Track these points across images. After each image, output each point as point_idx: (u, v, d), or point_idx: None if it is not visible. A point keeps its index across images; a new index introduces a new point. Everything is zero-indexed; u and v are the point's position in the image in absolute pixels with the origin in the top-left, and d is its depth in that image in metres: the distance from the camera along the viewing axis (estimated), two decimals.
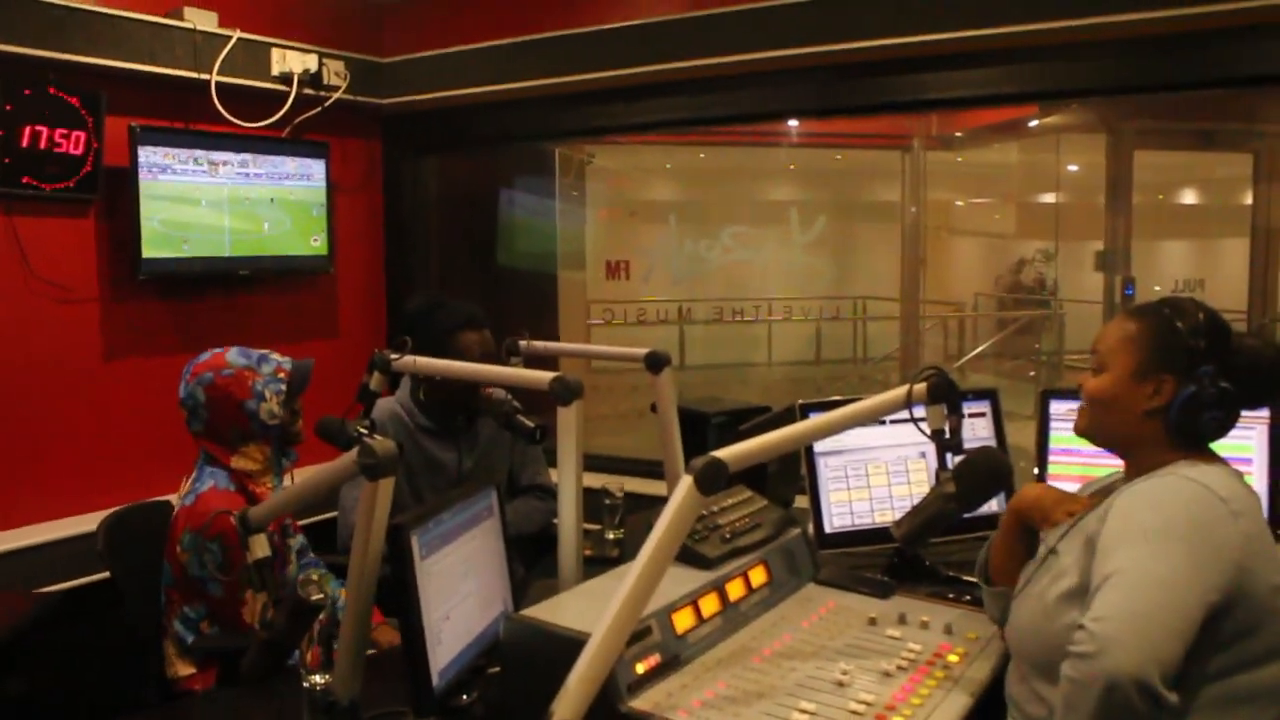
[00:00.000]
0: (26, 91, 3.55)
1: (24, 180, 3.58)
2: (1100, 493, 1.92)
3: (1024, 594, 1.89)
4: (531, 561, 3.33)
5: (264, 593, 2.56)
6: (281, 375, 2.74)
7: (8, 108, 3.50)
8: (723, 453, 1.68)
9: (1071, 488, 2.48)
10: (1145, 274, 9.02)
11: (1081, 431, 1.95)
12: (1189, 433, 1.77)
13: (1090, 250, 8.94)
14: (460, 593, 2.08)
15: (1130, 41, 3.35)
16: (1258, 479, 2.72)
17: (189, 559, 2.66)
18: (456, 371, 2.92)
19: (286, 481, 2.84)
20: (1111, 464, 1.96)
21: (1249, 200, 9.03)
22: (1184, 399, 1.75)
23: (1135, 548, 1.60)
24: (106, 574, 2.88)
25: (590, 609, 1.79)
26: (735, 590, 2.19)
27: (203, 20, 4.01)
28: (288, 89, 4.31)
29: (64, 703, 3.41)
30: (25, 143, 3.56)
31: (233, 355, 2.76)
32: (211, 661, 2.70)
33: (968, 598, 2.42)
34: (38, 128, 3.58)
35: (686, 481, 1.64)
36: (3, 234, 3.61)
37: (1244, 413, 2.69)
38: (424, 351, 2.98)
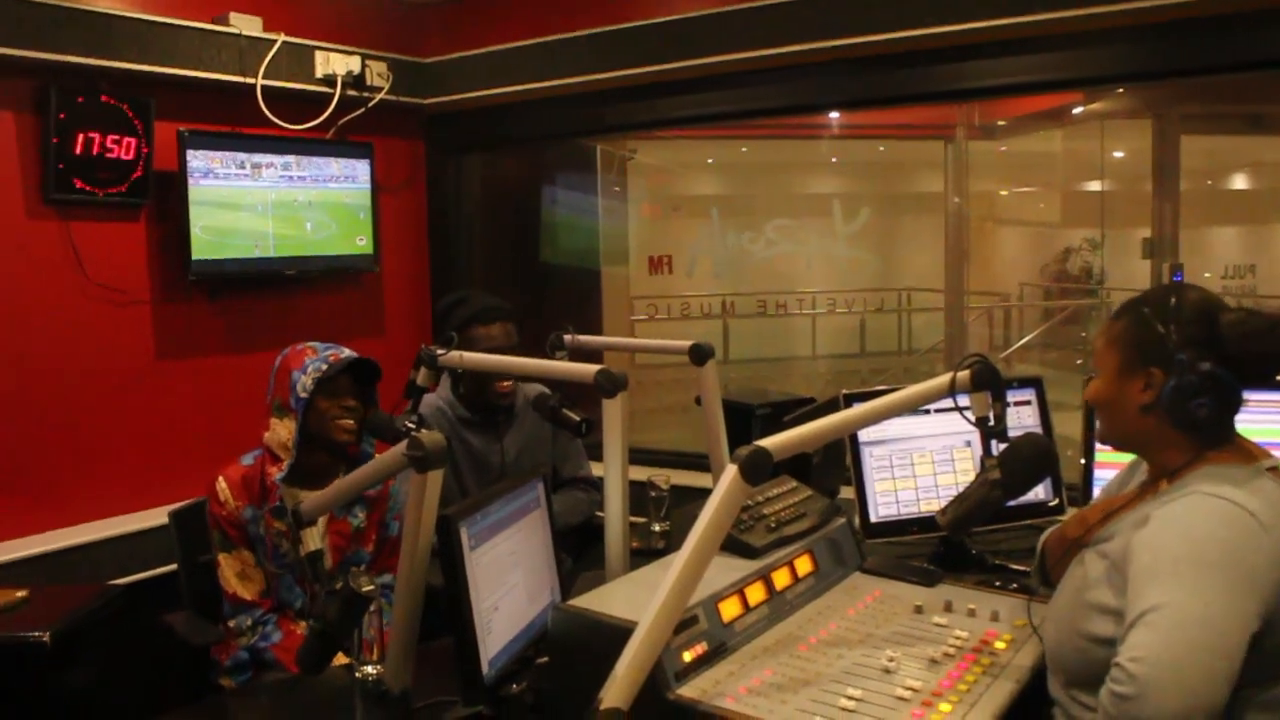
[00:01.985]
0: (79, 99, 3.63)
1: (77, 185, 3.66)
2: (1135, 497, 1.89)
3: (1054, 600, 1.89)
4: (577, 553, 3.36)
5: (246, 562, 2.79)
6: (332, 359, 2.80)
7: (61, 116, 3.58)
8: (767, 442, 1.69)
9: (1107, 475, 2.48)
10: (1194, 261, 8.92)
11: (1100, 438, 1.95)
12: (1186, 423, 1.73)
13: (1138, 238, 8.82)
14: (508, 583, 2.11)
15: (1175, 24, 3.31)
16: None
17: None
18: (502, 366, 2.96)
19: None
20: None
21: None
22: (1169, 390, 1.72)
23: (1169, 582, 1.56)
24: (158, 571, 2.98)
25: (637, 598, 1.81)
26: (781, 579, 2.20)
27: (248, 25, 4.07)
28: (331, 91, 4.36)
29: (127, 694, 3.48)
30: (79, 149, 3.63)
31: (316, 341, 2.89)
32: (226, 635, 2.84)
33: (1014, 585, 2.41)
34: (90, 134, 3.65)
35: (731, 470, 1.65)
36: (58, 238, 3.69)
37: (1276, 396, 2.65)
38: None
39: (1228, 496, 1.63)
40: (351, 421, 2.84)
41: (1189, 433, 1.75)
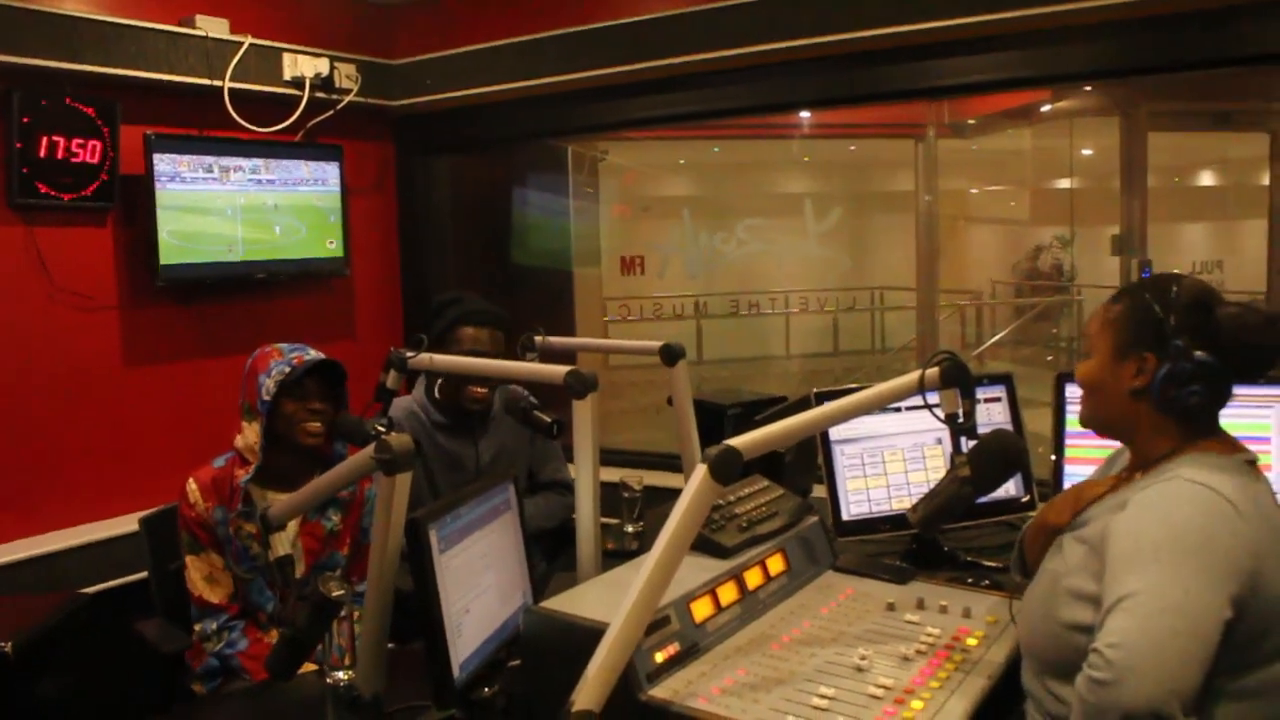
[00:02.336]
0: (43, 102, 3.59)
1: (42, 190, 3.62)
2: (1112, 484, 1.90)
3: (1030, 589, 1.89)
4: (552, 555, 3.35)
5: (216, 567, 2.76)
6: (296, 362, 2.78)
7: (25, 119, 3.54)
8: (737, 441, 1.69)
9: (1088, 470, 2.49)
10: (1163, 257, 8.97)
11: (1083, 421, 1.95)
12: (1175, 411, 1.74)
13: (1107, 235, 8.87)
14: (480, 586, 2.10)
15: (1142, 21, 3.33)
16: (1275, 458, 2.71)
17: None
18: (470, 368, 2.95)
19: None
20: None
21: (1266, 181, 8.95)
22: (1162, 375, 1.73)
23: (1148, 569, 1.56)
24: (130, 578, 2.95)
25: (609, 599, 1.81)
26: (753, 578, 2.20)
27: (214, 28, 4.03)
28: (300, 93, 4.33)
29: (97, 703, 3.45)
30: (43, 153, 3.59)
31: (283, 343, 2.86)
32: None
33: (986, 582, 2.42)
34: (55, 138, 3.61)
35: (701, 470, 1.65)
36: (23, 243, 3.65)
37: (1259, 391, 2.70)
38: (434, 344, 3.09)
39: (1208, 483, 1.64)
40: (318, 424, 2.82)
41: (1176, 421, 1.76)
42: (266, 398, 2.74)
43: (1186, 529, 1.60)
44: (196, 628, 2.75)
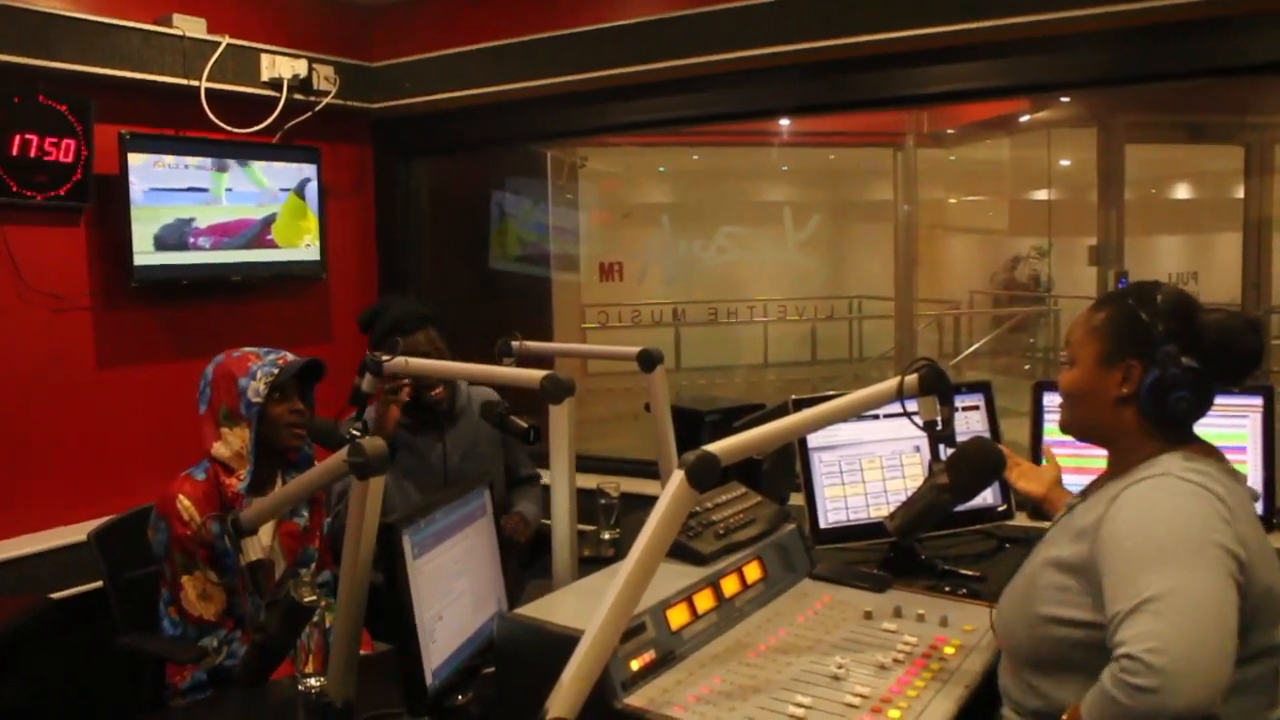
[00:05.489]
0: (15, 100, 3.55)
1: (14, 189, 3.57)
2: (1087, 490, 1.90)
3: (1009, 587, 1.89)
4: (527, 562, 3.33)
5: (208, 583, 2.67)
6: (280, 363, 2.76)
7: None
8: (714, 446, 1.68)
9: (1065, 479, 2.50)
10: (1139, 268, 9.02)
11: (1064, 427, 1.95)
12: (1161, 417, 1.75)
13: (1084, 246, 8.91)
14: (453, 592, 2.08)
15: (1118, 32, 3.34)
16: (1252, 468, 2.73)
17: (153, 538, 2.73)
18: (445, 371, 2.93)
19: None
20: (1101, 453, 1.94)
21: (1241, 194, 9.02)
22: (1150, 382, 1.74)
23: (1164, 569, 1.54)
24: (99, 583, 2.89)
25: (584, 606, 1.79)
26: (730, 586, 2.19)
27: (191, 27, 4.00)
28: (277, 94, 4.30)
29: (63, 709, 3.40)
30: (15, 151, 3.54)
31: (251, 347, 2.83)
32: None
33: (964, 591, 2.42)
34: (27, 136, 3.57)
35: (678, 476, 1.63)
36: None
37: (1237, 401, 2.72)
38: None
39: (1199, 481, 1.65)
40: (302, 427, 2.80)
41: (1159, 427, 1.77)
42: (256, 400, 2.70)
43: (1190, 525, 1.60)
44: (199, 644, 2.67)
